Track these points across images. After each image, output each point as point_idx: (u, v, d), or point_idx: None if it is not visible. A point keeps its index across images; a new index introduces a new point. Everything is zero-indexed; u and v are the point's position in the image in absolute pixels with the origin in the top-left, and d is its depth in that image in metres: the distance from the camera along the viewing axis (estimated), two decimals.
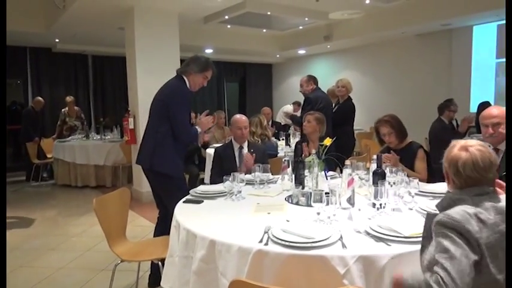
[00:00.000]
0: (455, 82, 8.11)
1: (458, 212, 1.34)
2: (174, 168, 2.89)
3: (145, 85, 5.82)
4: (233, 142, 3.56)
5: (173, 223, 2.18)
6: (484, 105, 6.05)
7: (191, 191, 2.65)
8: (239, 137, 3.49)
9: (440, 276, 1.23)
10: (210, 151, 5.10)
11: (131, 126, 5.93)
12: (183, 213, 2.21)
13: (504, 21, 7.28)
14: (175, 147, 2.87)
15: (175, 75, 3.06)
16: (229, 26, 8.71)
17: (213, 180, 3.34)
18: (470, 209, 1.34)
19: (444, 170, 1.53)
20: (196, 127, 3.05)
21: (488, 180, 1.42)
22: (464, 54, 7.99)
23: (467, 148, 1.44)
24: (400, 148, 3.08)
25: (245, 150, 3.49)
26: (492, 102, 6.78)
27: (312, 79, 5.03)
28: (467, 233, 1.28)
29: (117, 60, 9.20)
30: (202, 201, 2.46)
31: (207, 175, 4.90)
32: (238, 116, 3.62)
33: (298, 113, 5.74)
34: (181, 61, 6.50)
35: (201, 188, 2.71)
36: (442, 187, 2.44)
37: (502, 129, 2.47)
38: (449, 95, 7.25)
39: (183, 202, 2.45)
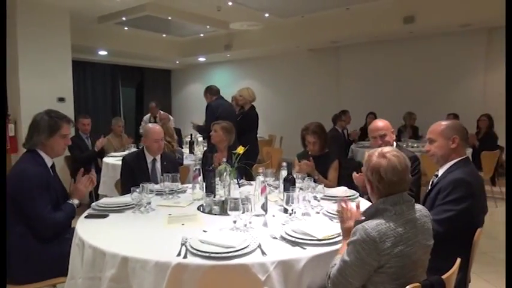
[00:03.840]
0: (343, 94, 8.94)
1: (378, 227, 1.45)
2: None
3: (30, 87, 5.22)
4: (146, 154, 3.27)
5: (75, 241, 1.96)
6: (368, 115, 6.98)
7: (93, 205, 2.42)
8: (156, 149, 3.23)
9: (330, 272, 1.55)
10: (108, 160, 4.76)
11: (12, 133, 5.23)
12: (87, 229, 2.00)
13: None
14: (42, 251, 2.18)
15: (25, 152, 2.34)
16: (126, 28, 8.31)
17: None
18: (391, 224, 1.46)
19: (367, 180, 1.60)
20: (71, 201, 2.39)
21: (407, 182, 1.57)
22: (350, 69, 8.90)
23: (384, 155, 1.54)
24: (318, 155, 3.25)
25: (158, 163, 3.26)
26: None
27: (208, 91, 5.12)
28: (374, 249, 1.42)
29: None
30: (108, 215, 2.27)
31: (102, 186, 4.54)
32: (151, 125, 3.32)
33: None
34: (74, 62, 6.05)
35: (104, 201, 2.49)
36: (342, 191, 2.68)
37: (388, 138, 2.80)
38: (338, 106, 7.99)
39: (85, 217, 2.23)
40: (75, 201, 2.40)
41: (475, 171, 2.08)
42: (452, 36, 7.40)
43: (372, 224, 1.46)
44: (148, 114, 7.29)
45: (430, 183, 2.17)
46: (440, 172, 2.11)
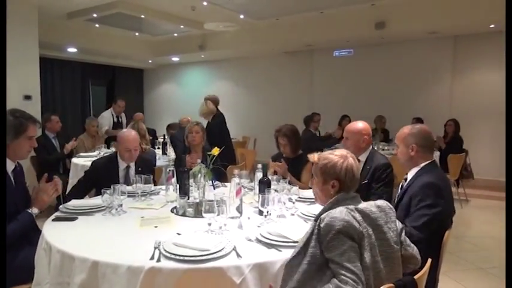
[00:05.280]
0: (316, 96, 9.06)
1: (341, 210, 1.47)
2: None
3: None
4: (119, 159, 3.10)
5: (41, 245, 1.88)
6: (343, 118, 7.06)
7: (61, 207, 2.34)
8: (128, 158, 3.05)
9: (352, 279, 1.33)
10: (77, 161, 4.60)
11: None
12: (55, 232, 1.92)
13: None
14: None
15: None
16: (97, 25, 8.09)
17: (71, 195, 2.76)
18: (345, 210, 1.49)
19: (337, 180, 1.60)
20: (30, 210, 2.17)
21: None
22: (323, 72, 9.01)
23: (347, 156, 1.64)
24: (292, 158, 3.27)
25: (132, 170, 3.11)
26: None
27: (169, 128, 6.21)
28: (350, 227, 1.41)
29: None
30: (77, 217, 2.19)
31: (70, 187, 4.39)
32: (127, 133, 3.09)
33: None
34: (41, 59, 5.83)
35: (73, 203, 2.41)
36: None
37: (350, 142, 2.78)
38: (312, 108, 8.09)
39: (53, 220, 2.14)
40: (34, 211, 2.18)
41: (442, 175, 2.14)
42: (421, 43, 7.64)
43: (333, 211, 1.47)
44: (110, 110, 6.37)
45: (400, 186, 2.21)
46: (409, 176, 2.15)
